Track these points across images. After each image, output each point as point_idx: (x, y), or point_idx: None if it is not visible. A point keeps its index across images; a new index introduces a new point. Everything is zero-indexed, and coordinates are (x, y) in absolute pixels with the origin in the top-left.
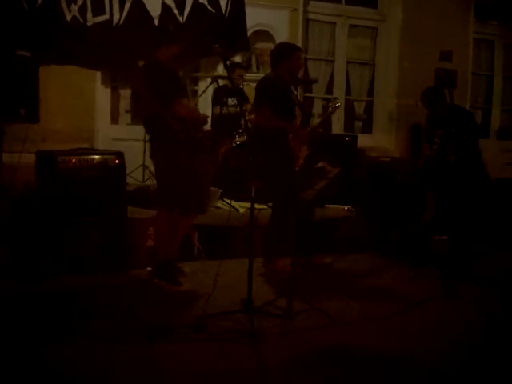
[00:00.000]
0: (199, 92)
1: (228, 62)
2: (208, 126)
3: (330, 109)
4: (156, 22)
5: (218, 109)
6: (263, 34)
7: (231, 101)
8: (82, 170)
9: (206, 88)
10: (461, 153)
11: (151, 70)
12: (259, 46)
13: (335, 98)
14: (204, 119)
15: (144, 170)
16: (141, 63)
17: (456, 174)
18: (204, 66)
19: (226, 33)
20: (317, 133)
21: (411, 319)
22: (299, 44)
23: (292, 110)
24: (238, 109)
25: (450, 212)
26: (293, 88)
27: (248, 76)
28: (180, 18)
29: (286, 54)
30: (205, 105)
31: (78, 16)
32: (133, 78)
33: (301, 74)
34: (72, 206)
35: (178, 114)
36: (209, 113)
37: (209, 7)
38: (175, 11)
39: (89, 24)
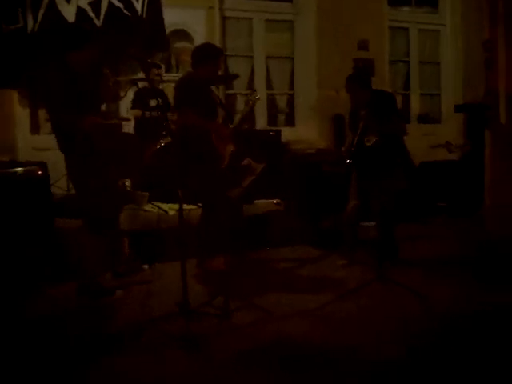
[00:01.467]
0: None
1: (146, 64)
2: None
3: (250, 102)
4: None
5: (139, 112)
6: (181, 34)
7: (152, 102)
8: (2, 184)
9: (127, 91)
10: (383, 134)
11: (57, 75)
12: (178, 45)
13: (254, 91)
14: (117, 127)
15: (68, 178)
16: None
17: (377, 157)
18: (123, 69)
19: (144, 34)
20: (241, 129)
21: (347, 307)
22: (217, 41)
23: (213, 109)
24: (159, 110)
25: (374, 197)
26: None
27: (168, 76)
28: (97, 22)
29: (211, 57)
30: (126, 107)
31: None
32: (40, 86)
33: (221, 71)
34: None
35: (87, 129)
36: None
37: (124, 11)
38: (91, 14)
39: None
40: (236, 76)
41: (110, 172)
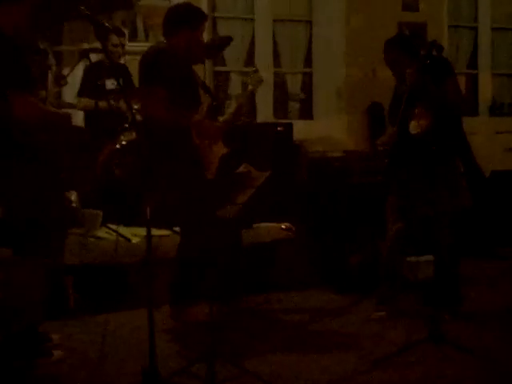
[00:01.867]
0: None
1: (102, 28)
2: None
3: (249, 86)
4: None
5: (91, 102)
6: None
7: (110, 83)
8: None
9: (74, 67)
10: (437, 129)
11: None
12: (146, 3)
13: (256, 71)
14: (66, 118)
15: None
16: None
17: (428, 155)
18: (69, 37)
19: None
20: (236, 123)
21: (385, 379)
22: None
23: (194, 95)
24: (121, 95)
25: (426, 221)
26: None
27: (132, 47)
28: None
29: (191, 20)
30: (73, 90)
31: None
32: None
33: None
34: None
35: (20, 115)
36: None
37: None
38: None
39: None
40: (228, 39)
41: (53, 180)
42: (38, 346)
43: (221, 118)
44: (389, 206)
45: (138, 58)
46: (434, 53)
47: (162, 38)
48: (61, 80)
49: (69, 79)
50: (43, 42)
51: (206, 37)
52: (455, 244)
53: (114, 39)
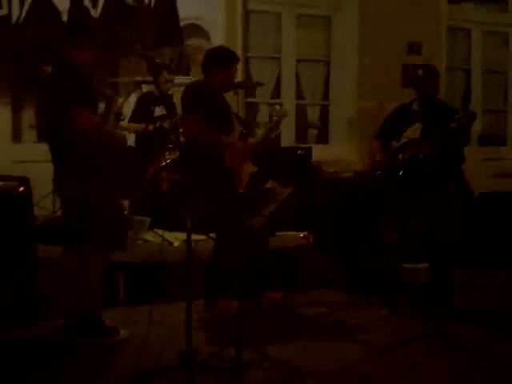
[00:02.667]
0: (120, 101)
1: (154, 65)
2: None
3: (274, 118)
4: (65, 17)
5: (142, 126)
6: (195, 29)
7: (159, 110)
8: None
9: (127, 98)
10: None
11: (64, 74)
12: (191, 42)
13: (280, 105)
14: (122, 140)
15: (55, 197)
16: (47, 69)
17: (428, 173)
18: (125, 69)
19: (152, 27)
20: (264, 146)
21: (386, 367)
22: (238, 39)
23: (228, 122)
24: (168, 120)
25: (422, 231)
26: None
27: (178, 79)
28: (94, 12)
29: (226, 61)
30: (127, 117)
31: None
32: (38, 86)
33: (241, 77)
34: None
35: (81, 127)
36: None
37: None
38: (87, 4)
39: None
40: (259, 84)
41: (113, 189)
42: (105, 327)
43: (251, 140)
44: (385, 222)
45: (182, 89)
46: (465, 121)
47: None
48: (120, 116)
49: (124, 106)
50: (106, 88)
51: (240, 74)
52: (450, 252)
53: (165, 75)
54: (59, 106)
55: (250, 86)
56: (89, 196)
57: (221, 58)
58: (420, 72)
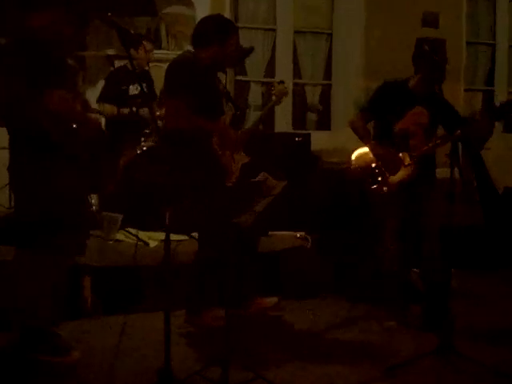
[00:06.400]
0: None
1: (128, 35)
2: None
3: (273, 97)
4: None
5: (113, 108)
6: None
7: (134, 89)
8: None
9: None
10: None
11: (18, 45)
12: (170, 11)
13: (281, 82)
14: (96, 123)
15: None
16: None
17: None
18: (94, 42)
19: None
20: (255, 133)
21: None
22: (227, 8)
23: (218, 104)
24: (143, 100)
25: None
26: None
27: (155, 53)
28: None
29: (223, 34)
30: (95, 95)
31: None
32: None
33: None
34: None
35: (51, 106)
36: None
37: None
38: None
39: None
40: (250, 50)
41: (77, 181)
42: (55, 345)
43: (243, 128)
44: (389, 225)
45: (160, 65)
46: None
47: (185, 46)
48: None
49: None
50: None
51: None
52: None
53: (148, 46)
54: (25, 85)
55: (238, 56)
56: (47, 185)
57: (217, 30)
58: (428, 48)
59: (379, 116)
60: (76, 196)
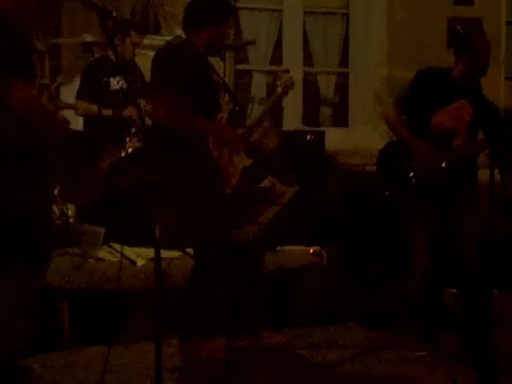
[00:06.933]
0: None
1: (112, 20)
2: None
3: (278, 89)
4: None
5: (92, 106)
6: None
7: (116, 82)
8: None
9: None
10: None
11: None
12: None
13: (287, 71)
14: (64, 124)
15: None
16: None
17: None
18: (69, 27)
19: None
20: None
21: None
22: None
23: (214, 98)
24: (128, 96)
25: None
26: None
27: (144, 40)
28: None
29: (217, 15)
30: (73, 89)
31: None
32: None
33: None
34: None
35: (13, 102)
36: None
37: None
38: None
39: None
40: (251, 43)
41: (41, 190)
42: (25, 382)
43: (243, 127)
44: (420, 235)
45: (147, 52)
46: None
47: (176, 31)
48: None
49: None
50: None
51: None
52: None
53: (133, 36)
54: None
55: (237, 47)
56: (8, 193)
57: (212, 9)
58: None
59: (417, 110)
60: (42, 207)
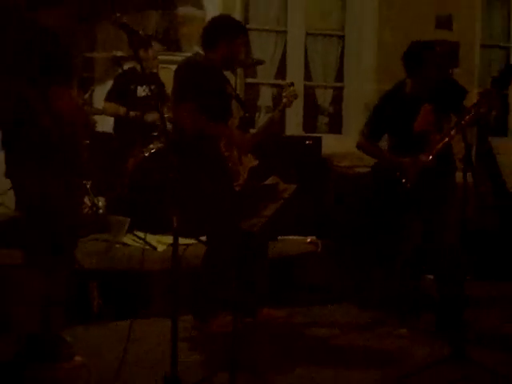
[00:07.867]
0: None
1: (137, 36)
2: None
3: (284, 99)
4: None
5: (120, 109)
6: None
7: (141, 90)
8: None
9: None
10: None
11: (29, 39)
12: (180, 12)
13: (291, 84)
14: (92, 123)
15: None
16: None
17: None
18: (102, 44)
19: None
20: (266, 136)
21: None
22: (238, 9)
23: (227, 106)
24: (152, 103)
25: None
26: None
27: (164, 56)
28: None
29: (230, 33)
30: (101, 96)
31: None
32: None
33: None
34: None
35: (55, 106)
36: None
37: None
38: None
39: None
40: (260, 62)
41: (75, 183)
42: (58, 350)
43: (252, 131)
44: (408, 225)
45: (169, 67)
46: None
47: (194, 48)
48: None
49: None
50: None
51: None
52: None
53: (155, 47)
54: (27, 82)
55: (248, 65)
56: (45, 189)
57: (225, 28)
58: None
59: (383, 130)
60: (73, 202)
